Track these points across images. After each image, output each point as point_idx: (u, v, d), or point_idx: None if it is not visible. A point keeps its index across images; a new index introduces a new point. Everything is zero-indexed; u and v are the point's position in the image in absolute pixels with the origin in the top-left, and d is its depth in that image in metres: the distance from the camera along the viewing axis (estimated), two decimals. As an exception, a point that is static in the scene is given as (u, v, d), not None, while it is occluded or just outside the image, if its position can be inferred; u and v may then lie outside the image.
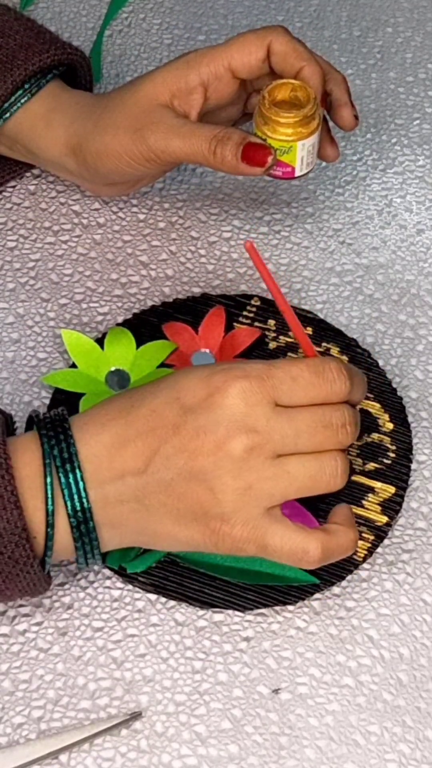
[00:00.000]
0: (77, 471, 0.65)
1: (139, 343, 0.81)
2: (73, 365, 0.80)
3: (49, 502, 0.65)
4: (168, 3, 1.02)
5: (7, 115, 0.82)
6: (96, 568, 0.73)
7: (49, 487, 0.65)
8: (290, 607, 0.72)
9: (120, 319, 0.83)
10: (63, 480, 0.65)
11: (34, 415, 0.68)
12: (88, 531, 0.66)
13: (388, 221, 0.89)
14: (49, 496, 0.65)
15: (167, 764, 0.67)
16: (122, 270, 0.86)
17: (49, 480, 0.65)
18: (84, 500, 0.65)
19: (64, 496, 0.65)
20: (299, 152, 0.77)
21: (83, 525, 0.66)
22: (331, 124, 0.82)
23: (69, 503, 0.65)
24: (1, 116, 0.82)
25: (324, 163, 0.91)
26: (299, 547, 0.67)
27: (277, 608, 0.72)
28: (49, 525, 0.65)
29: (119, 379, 0.80)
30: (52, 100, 0.82)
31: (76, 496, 0.65)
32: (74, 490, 0.65)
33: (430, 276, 0.86)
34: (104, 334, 0.81)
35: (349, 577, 0.73)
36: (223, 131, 0.76)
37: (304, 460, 0.66)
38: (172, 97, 0.78)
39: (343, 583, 0.73)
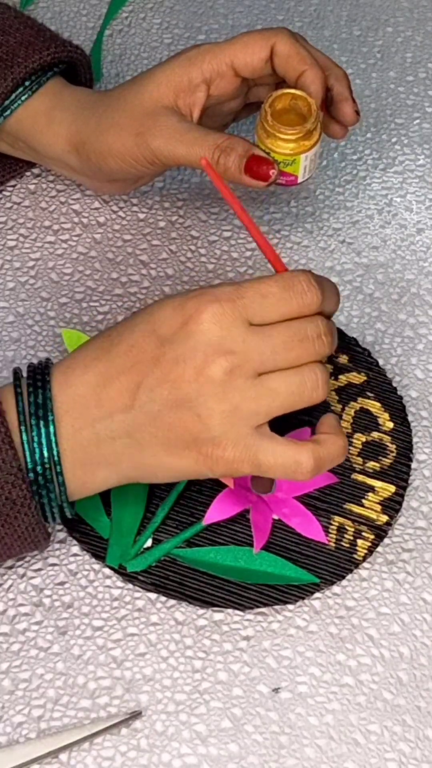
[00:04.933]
0: (50, 419, 0.66)
1: (139, 342, 0.81)
2: (73, 364, 0.80)
3: (27, 450, 0.66)
4: (168, 2, 1.02)
5: (8, 112, 0.82)
6: (96, 567, 0.73)
7: (25, 434, 0.66)
8: (290, 606, 0.72)
9: (120, 318, 0.83)
10: (35, 430, 0.66)
11: (18, 371, 0.69)
12: (54, 476, 0.67)
13: (388, 220, 0.89)
14: (25, 443, 0.66)
15: (167, 763, 0.67)
16: (122, 269, 0.86)
17: (23, 428, 0.67)
18: (54, 450, 0.66)
19: (32, 443, 0.66)
20: (302, 163, 0.77)
21: (49, 471, 0.67)
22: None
23: (38, 451, 0.66)
24: (2, 113, 0.82)
25: (324, 162, 0.91)
26: (292, 459, 0.67)
27: (277, 607, 0.72)
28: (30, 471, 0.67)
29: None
30: (53, 98, 0.82)
31: (45, 445, 0.66)
32: (44, 439, 0.66)
33: (430, 275, 0.86)
34: (104, 333, 0.81)
35: (349, 577, 0.73)
36: (227, 141, 0.76)
37: (284, 375, 0.66)
38: (175, 97, 0.78)
39: (344, 582, 0.73)
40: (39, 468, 0.66)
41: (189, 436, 0.66)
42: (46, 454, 0.66)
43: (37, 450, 0.66)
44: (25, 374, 0.73)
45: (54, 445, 0.66)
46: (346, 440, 0.69)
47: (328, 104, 0.81)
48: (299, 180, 0.78)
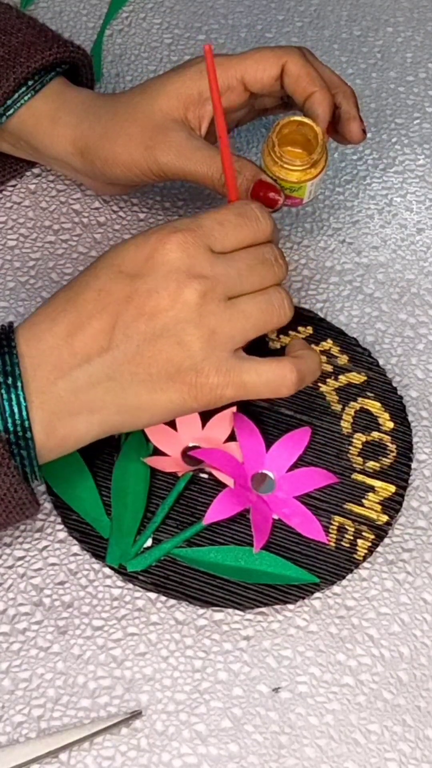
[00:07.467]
0: (17, 374, 0.66)
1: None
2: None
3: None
4: (168, 2, 1.02)
5: (11, 111, 0.82)
6: (96, 567, 0.73)
7: None
8: (290, 606, 0.72)
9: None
10: (4, 388, 0.66)
11: None
12: (27, 446, 0.67)
13: (388, 220, 0.89)
14: None
15: (167, 763, 0.67)
16: (122, 269, 0.86)
17: None
18: (24, 413, 0.66)
19: (2, 402, 0.66)
20: (308, 188, 0.77)
21: (20, 429, 0.66)
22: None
23: (8, 409, 0.66)
24: (4, 113, 0.82)
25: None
26: (276, 374, 0.69)
27: (277, 607, 0.72)
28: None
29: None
30: (56, 98, 0.82)
31: (15, 403, 0.66)
32: (14, 397, 0.66)
33: (431, 275, 0.86)
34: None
35: (349, 576, 0.73)
36: (236, 163, 0.76)
37: (252, 297, 0.69)
38: (185, 110, 0.78)
39: (344, 582, 0.73)
40: (10, 426, 0.66)
41: (171, 367, 0.67)
42: (16, 411, 0.66)
43: (7, 408, 0.66)
44: None
45: (23, 400, 0.66)
46: (320, 355, 0.72)
47: (335, 122, 0.81)
48: (304, 201, 0.79)
